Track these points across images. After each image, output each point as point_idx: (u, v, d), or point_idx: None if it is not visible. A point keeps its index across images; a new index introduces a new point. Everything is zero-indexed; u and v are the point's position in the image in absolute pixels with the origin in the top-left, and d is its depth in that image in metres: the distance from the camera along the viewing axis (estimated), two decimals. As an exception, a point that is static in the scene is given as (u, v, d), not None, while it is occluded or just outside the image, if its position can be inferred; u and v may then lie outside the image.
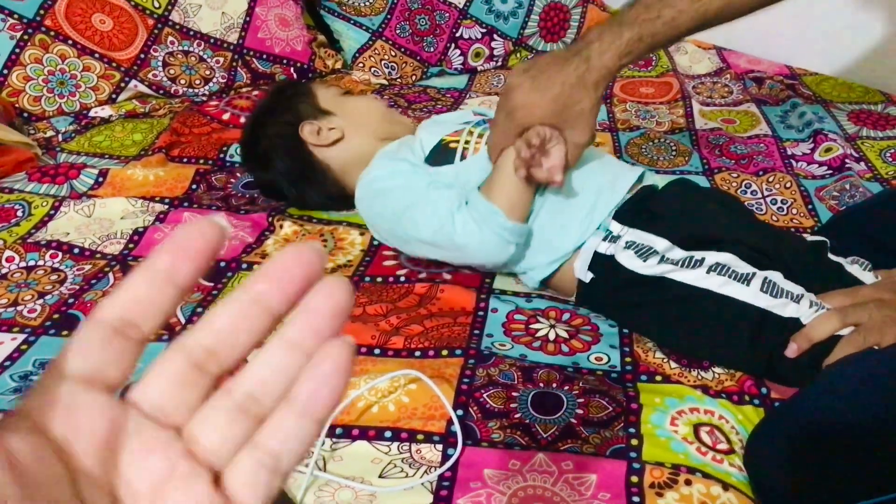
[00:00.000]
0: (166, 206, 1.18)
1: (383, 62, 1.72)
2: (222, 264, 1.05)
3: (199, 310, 0.96)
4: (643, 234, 0.92)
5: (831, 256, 0.93)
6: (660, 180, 1.10)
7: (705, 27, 0.90)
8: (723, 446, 0.77)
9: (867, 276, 0.90)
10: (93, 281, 1.01)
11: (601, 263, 0.93)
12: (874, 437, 0.68)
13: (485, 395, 0.81)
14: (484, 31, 1.80)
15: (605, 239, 0.94)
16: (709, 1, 0.87)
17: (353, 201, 1.09)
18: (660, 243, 0.91)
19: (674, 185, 1.02)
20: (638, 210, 0.96)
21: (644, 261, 0.90)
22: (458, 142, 1.05)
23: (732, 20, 0.91)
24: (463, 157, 1.03)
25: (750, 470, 0.74)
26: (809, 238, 0.99)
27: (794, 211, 1.19)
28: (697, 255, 0.89)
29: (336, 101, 1.14)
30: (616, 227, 0.95)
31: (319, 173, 1.12)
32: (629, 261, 0.91)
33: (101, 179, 1.23)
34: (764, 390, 0.84)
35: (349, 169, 1.11)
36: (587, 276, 0.94)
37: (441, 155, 1.04)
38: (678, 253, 0.90)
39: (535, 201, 0.98)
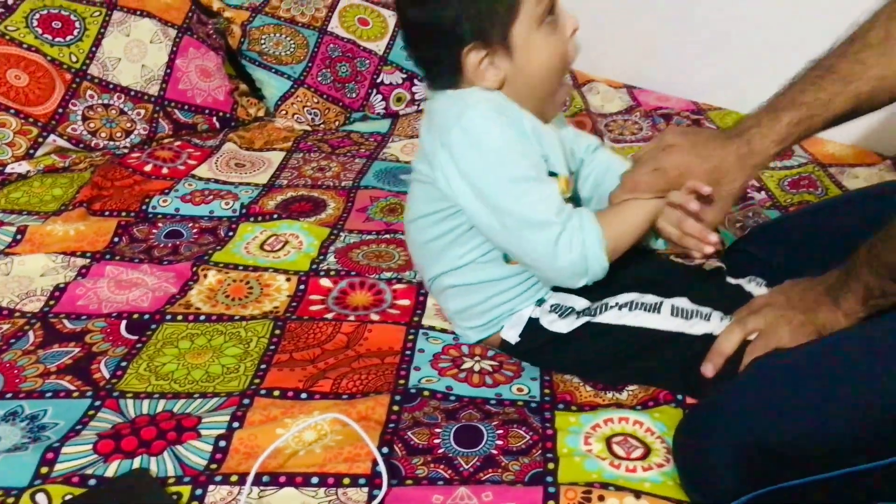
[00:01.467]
0: (88, 261, 1.18)
1: (306, 109, 1.75)
2: (146, 316, 1.05)
3: (124, 364, 0.96)
4: (564, 295, 0.97)
5: (729, 280, 1.00)
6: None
7: (861, 110, 0.90)
8: (637, 453, 0.81)
9: (762, 292, 0.96)
10: (12, 340, 1.00)
11: (527, 327, 0.97)
12: (790, 425, 0.73)
13: (409, 433, 0.83)
14: (405, 76, 1.84)
15: (535, 304, 0.98)
16: (858, 83, 0.87)
17: None
18: (579, 303, 0.96)
19: None
20: None
21: (564, 319, 0.94)
22: (565, 195, 0.96)
23: (879, 107, 0.90)
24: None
25: (679, 461, 0.78)
26: (706, 267, 1.06)
27: (701, 240, 1.25)
28: (610, 300, 0.94)
29: (530, 37, 0.91)
30: (544, 292, 0.99)
31: (454, 79, 0.94)
32: (552, 324, 0.95)
33: (19, 237, 1.22)
34: (679, 396, 0.89)
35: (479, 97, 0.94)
36: (515, 340, 0.98)
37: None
38: (594, 304, 0.95)
39: (489, 270, 0.96)
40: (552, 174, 0.94)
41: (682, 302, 0.93)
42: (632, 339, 0.91)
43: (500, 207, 0.90)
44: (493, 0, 0.90)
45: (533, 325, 0.96)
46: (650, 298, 0.93)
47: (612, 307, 0.93)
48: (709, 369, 0.87)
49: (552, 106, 0.99)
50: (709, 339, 0.88)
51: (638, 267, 0.99)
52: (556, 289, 0.98)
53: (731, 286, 0.99)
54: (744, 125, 0.93)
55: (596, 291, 0.95)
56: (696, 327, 0.90)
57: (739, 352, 0.86)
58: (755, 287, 0.98)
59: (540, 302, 0.97)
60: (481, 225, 0.93)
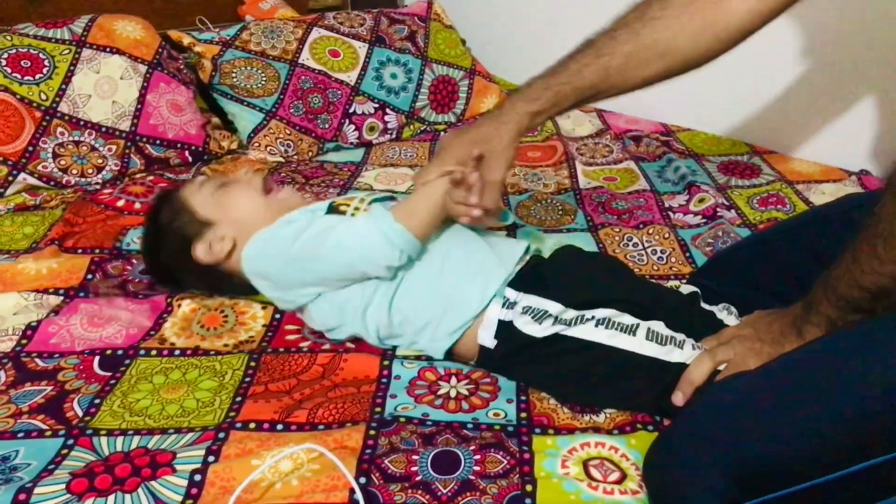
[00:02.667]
0: (61, 298, 1.17)
1: (279, 141, 1.75)
2: (120, 352, 1.04)
3: (97, 401, 0.95)
4: (537, 298, 0.98)
5: (704, 305, 1.01)
6: (546, 239, 1.16)
7: (615, 85, 0.97)
8: (614, 476, 0.81)
9: (733, 321, 0.98)
10: (-17, 381, 0.99)
11: (501, 329, 0.98)
12: (749, 444, 0.74)
13: (386, 461, 0.83)
14: (376, 105, 1.86)
15: (503, 306, 0.99)
16: (609, 57, 0.94)
17: None
18: (553, 307, 0.97)
19: (560, 252, 1.09)
20: (530, 276, 1.02)
21: (539, 324, 0.95)
22: (348, 205, 1.08)
23: (634, 86, 0.98)
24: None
25: (650, 487, 0.79)
26: (683, 289, 1.07)
27: (673, 259, 1.27)
28: (587, 313, 0.95)
29: (215, 204, 1.11)
30: (512, 294, 1.00)
31: (228, 278, 1.12)
32: (526, 326, 0.96)
33: (-10, 276, 1.21)
34: (657, 418, 0.90)
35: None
36: (492, 343, 0.98)
37: (331, 216, 1.07)
38: (570, 313, 0.96)
39: (436, 271, 1.01)
40: (330, 207, 1.08)
41: (658, 326, 0.94)
42: (607, 360, 0.92)
43: (298, 255, 1.02)
44: (175, 229, 1.11)
45: (508, 327, 0.97)
46: (627, 319, 0.94)
47: (588, 320, 0.94)
48: (679, 398, 0.88)
49: (285, 199, 1.14)
50: (682, 368, 0.89)
51: (616, 284, 1.01)
52: (523, 290, 0.99)
53: (705, 312, 1.00)
54: (501, 101, 1.03)
55: (570, 297, 0.96)
56: (671, 355, 0.91)
57: (709, 381, 0.87)
58: (726, 315, 0.99)
59: (510, 305, 0.99)
60: (323, 277, 1.03)
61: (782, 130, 1.77)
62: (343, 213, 1.07)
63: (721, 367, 0.88)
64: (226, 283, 1.13)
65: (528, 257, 1.06)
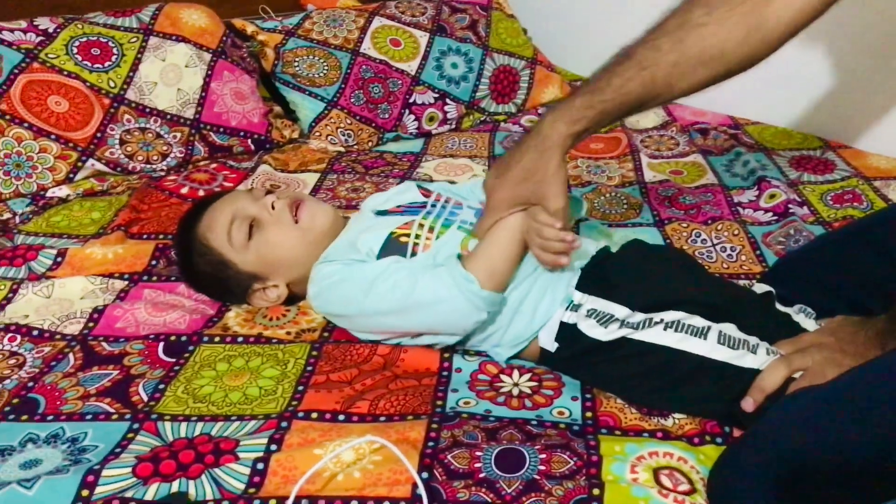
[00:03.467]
0: (126, 283, 1.19)
1: (339, 130, 1.75)
2: (184, 338, 1.05)
3: (161, 386, 0.96)
4: (603, 301, 0.96)
5: (779, 307, 0.97)
6: (612, 234, 1.13)
7: (660, 96, 0.92)
8: (684, 487, 0.78)
9: (811, 324, 0.94)
10: (52, 363, 1.00)
11: (564, 332, 0.96)
12: (827, 462, 0.70)
13: (449, 457, 0.82)
14: (437, 96, 1.85)
15: (567, 308, 0.97)
16: (654, 69, 0.89)
17: None
18: (619, 311, 0.94)
19: (628, 249, 1.05)
20: (596, 276, 0.99)
21: (605, 328, 0.93)
22: (408, 235, 1.04)
23: (679, 95, 0.93)
24: (413, 254, 1.02)
25: (712, 502, 0.76)
26: (757, 288, 1.03)
27: (743, 257, 1.23)
28: (655, 316, 0.92)
29: (254, 256, 1.08)
30: (577, 296, 0.97)
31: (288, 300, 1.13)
32: (591, 329, 0.93)
33: (59, 259, 1.23)
34: (727, 429, 0.87)
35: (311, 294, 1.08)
36: (553, 346, 0.96)
37: (392, 250, 1.03)
38: (637, 317, 0.93)
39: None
40: (388, 240, 1.03)
41: (730, 329, 0.90)
42: (676, 364, 0.89)
43: (386, 311, 0.98)
44: (216, 282, 1.10)
45: (571, 330, 0.95)
46: (697, 321, 0.91)
47: (656, 323, 0.91)
48: (749, 404, 0.84)
49: (314, 228, 1.10)
50: (755, 375, 0.86)
51: (686, 284, 0.98)
52: (589, 292, 0.97)
53: (780, 314, 0.96)
54: (541, 116, 0.96)
55: (637, 301, 0.93)
56: (743, 360, 0.87)
57: (782, 389, 0.83)
58: (803, 318, 0.95)
59: (575, 307, 0.96)
60: (395, 330, 1.01)
61: (857, 124, 1.70)
62: (404, 244, 1.03)
63: (796, 375, 0.84)
64: (288, 301, 1.13)
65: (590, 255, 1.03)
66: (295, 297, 1.12)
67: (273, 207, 1.09)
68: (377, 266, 1.00)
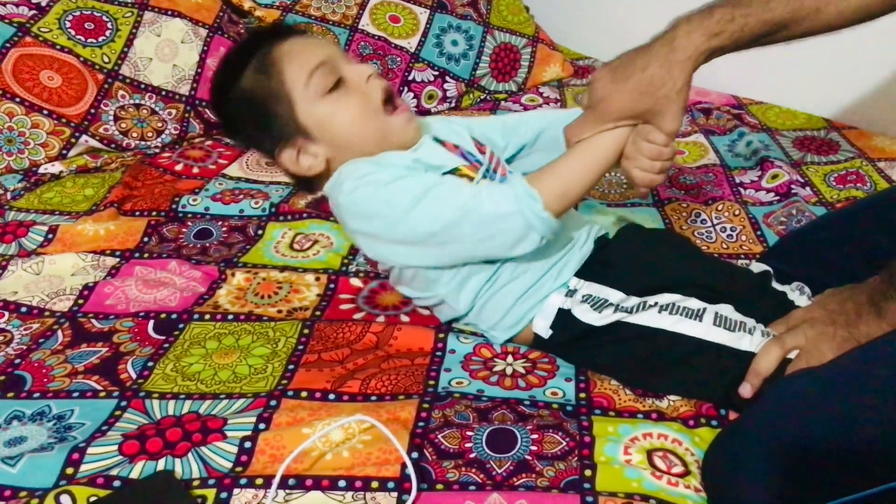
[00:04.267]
0: (117, 260, 1.17)
1: (337, 108, 1.73)
2: (174, 316, 1.03)
3: (150, 364, 0.94)
4: (598, 286, 0.93)
5: (775, 285, 0.95)
6: (610, 214, 1.11)
7: (799, 23, 0.84)
8: (678, 469, 0.77)
9: (804, 302, 0.92)
10: (41, 340, 0.99)
11: (559, 318, 0.94)
12: (823, 446, 0.69)
13: (440, 437, 0.81)
14: (436, 73, 1.82)
15: (565, 294, 0.95)
16: None
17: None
18: (614, 295, 0.92)
19: (624, 233, 1.02)
20: (592, 262, 0.97)
21: (599, 312, 0.91)
22: (472, 179, 0.94)
23: (826, 25, 0.85)
24: None
25: (707, 485, 0.74)
26: (754, 268, 1.01)
27: (744, 238, 1.21)
28: (650, 299, 0.90)
29: (318, 114, 0.92)
30: (573, 282, 0.95)
31: (303, 181, 0.99)
32: (585, 314, 0.91)
33: (50, 236, 1.22)
34: (723, 412, 0.86)
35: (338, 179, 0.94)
36: (547, 333, 0.94)
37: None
38: (632, 301, 0.91)
39: (511, 262, 0.93)
40: (454, 172, 0.93)
41: (727, 310, 0.89)
42: (671, 347, 0.87)
43: (423, 237, 0.89)
44: (264, 110, 0.92)
45: (565, 316, 0.93)
46: (693, 303, 0.89)
47: (651, 306, 0.89)
48: (746, 390, 0.82)
49: (399, 132, 0.95)
50: (751, 358, 0.84)
51: (682, 267, 0.96)
52: (585, 277, 0.94)
53: (777, 293, 0.94)
54: (672, 25, 0.86)
55: (632, 285, 0.91)
56: (740, 342, 0.86)
57: (779, 370, 0.82)
58: (798, 296, 0.94)
59: (571, 293, 0.94)
60: (440, 259, 0.92)
61: (862, 105, 1.67)
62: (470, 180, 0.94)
63: (792, 355, 0.82)
64: (294, 179, 1.00)
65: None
66: (314, 183, 0.99)
67: (367, 81, 0.94)
68: (435, 177, 0.90)
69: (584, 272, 0.96)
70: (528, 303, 0.95)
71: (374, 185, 0.89)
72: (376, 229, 0.92)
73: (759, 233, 1.22)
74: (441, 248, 0.91)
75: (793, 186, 1.34)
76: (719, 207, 1.28)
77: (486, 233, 0.88)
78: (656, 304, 0.89)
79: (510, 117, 1.10)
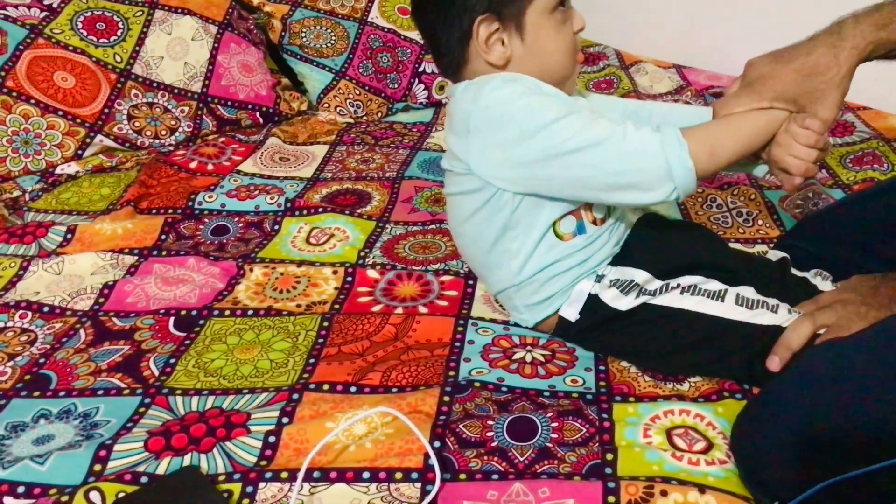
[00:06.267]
0: (136, 258, 1.18)
1: (348, 101, 1.73)
2: (194, 312, 1.04)
3: (172, 360, 0.95)
4: (623, 269, 0.94)
5: (795, 272, 0.95)
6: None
7: None
8: (699, 446, 0.78)
9: (828, 286, 0.92)
10: (64, 339, 1.00)
11: (588, 303, 0.94)
12: (853, 414, 0.69)
13: (461, 426, 0.81)
14: (446, 64, 1.82)
15: (594, 280, 0.94)
16: None
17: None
18: (640, 275, 0.92)
19: (643, 221, 1.02)
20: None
21: (626, 296, 0.91)
22: None
23: None
24: None
25: (738, 456, 0.75)
26: (771, 255, 1.01)
27: (760, 222, 1.21)
28: (672, 281, 0.91)
29: (543, 21, 0.90)
30: (601, 268, 0.95)
31: (459, 52, 0.92)
32: (614, 300, 0.91)
33: (69, 236, 1.23)
34: (746, 386, 0.86)
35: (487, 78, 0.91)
36: (575, 317, 0.94)
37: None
38: (655, 283, 0.91)
39: (547, 254, 0.92)
40: None
41: (748, 291, 0.89)
42: (693, 326, 0.87)
43: (557, 150, 0.85)
44: None
45: (593, 301, 0.93)
46: (714, 285, 0.89)
47: (673, 288, 0.89)
48: (775, 363, 0.83)
49: (575, 80, 0.96)
50: (776, 332, 0.84)
51: (703, 250, 0.96)
52: (614, 263, 0.94)
53: (797, 278, 0.94)
54: (838, 20, 0.85)
55: (655, 266, 0.91)
56: (761, 318, 0.86)
57: (807, 347, 0.82)
58: (821, 281, 0.94)
59: (599, 278, 0.94)
60: (555, 185, 0.88)
61: (877, 85, 1.65)
62: None
63: (821, 332, 0.82)
64: (449, 60, 0.93)
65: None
66: (457, 69, 0.93)
67: (579, 32, 0.94)
68: (576, 104, 0.89)
69: (611, 259, 0.96)
70: (559, 286, 0.94)
71: (523, 91, 0.87)
72: (505, 138, 0.87)
73: (775, 217, 1.22)
74: (566, 171, 0.86)
75: (809, 169, 1.33)
76: (735, 192, 1.28)
77: (623, 166, 0.84)
78: (678, 285, 0.90)
79: (632, 101, 1.09)
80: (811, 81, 0.83)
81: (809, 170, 0.86)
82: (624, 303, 0.90)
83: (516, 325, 1.00)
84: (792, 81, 0.84)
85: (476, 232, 0.95)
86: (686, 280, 0.90)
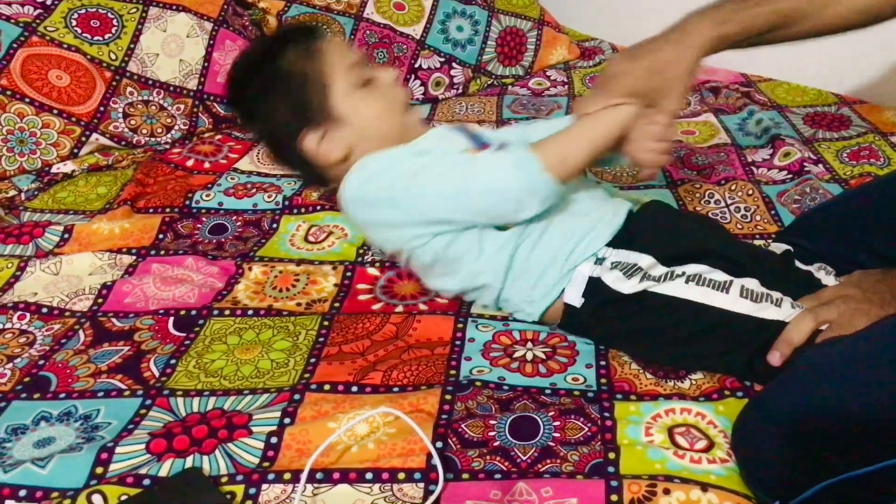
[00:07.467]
0: (134, 257, 1.18)
1: (345, 98, 1.73)
2: (193, 312, 1.04)
3: (173, 361, 0.95)
4: (627, 252, 0.94)
5: (798, 265, 0.95)
6: (625, 198, 1.11)
7: (803, 21, 0.88)
8: (701, 444, 0.78)
9: (831, 281, 0.92)
10: (63, 340, 1.00)
11: (590, 286, 0.94)
12: (856, 412, 0.69)
13: (463, 426, 0.81)
14: (443, 60, 1.82)
15: (595, 262, 0.95)
16: None
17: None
18: (644, 260, 0.92)
19: (649, 206, 1.03)
20: (619, 232, 0.97)
21: (628, 279, 0.91)
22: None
23: (831, 24, 0.89)
24: None
25: (739, 454, 0.75)
26: (774, 248, 1.01)
27: (758, 217, 1.21)
28: (677, 269, 0.91)
29: (353, 101, 0.97)
30: (602, 250, 0.95)
31: (313, 173, 1.02)
32: (615, 282, 0.91)
33: (66, 236, 1.22)
34: (747, 384, 0.86)
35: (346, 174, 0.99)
36: (580, 302, 0.94)
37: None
38: (659, 269, 0.91)
39: (546, 223, 0.95)
40: None
41: (752, 283, 0.89)
42: (696, 317, 0.87)
43: (426, 214, 0.93)
44: (299, 89, 0.97)
45: (596, 284, 0.93)
46: (719, 275, 0.89)
47: (678, 276, 0.89)
48: (776, 358, 0.83)
49: (414, 128, 1.02)
50: (779, 328, 0.84)
51: (709, 238, 0.96)
52: (617, 245, 0.94)
53: (801, 272, 0.94)
54: (683, 17, 0.93)
55: (660, 251, 0.92)
56: (765, 312, 0.86)
57: (808, 343, 0.82)
58: (824, 275, 0.94)
59: (599, 261, 0.94)
60: (446, 225, 0.94)
61: (873, 78, 1.66)
62: None
63: (823, 328, 0.83)
64: (307, 171, 1.03)
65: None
66: (325, 175, 1.02)
67: (393, 86, 1.02)
68: (432, 154, 0.94)
69: (612, 241, 0.96)
70: (555, 273, 0.94)
71: (376, 174, 0.95)
72: (383, 216, 0.96)
73: (773, 212, 1.22)
74: (449, 222, 0.94)
75: (805, 164, 1.34)
76: (732, 187, 1.28)
77: (488, 200, 0.91)
78: (683, 273, 0.90)
79: (531, 126, 1.13)
80: (659, 77, 0.90)
81: (660, 160, 0.94)
82: (627, 286, 0.90)
83: (515, 320, 1.00)
84: (641, 78, 0.91)
85: (441, 272, 0.99)
86: (691, 269, 0.90)
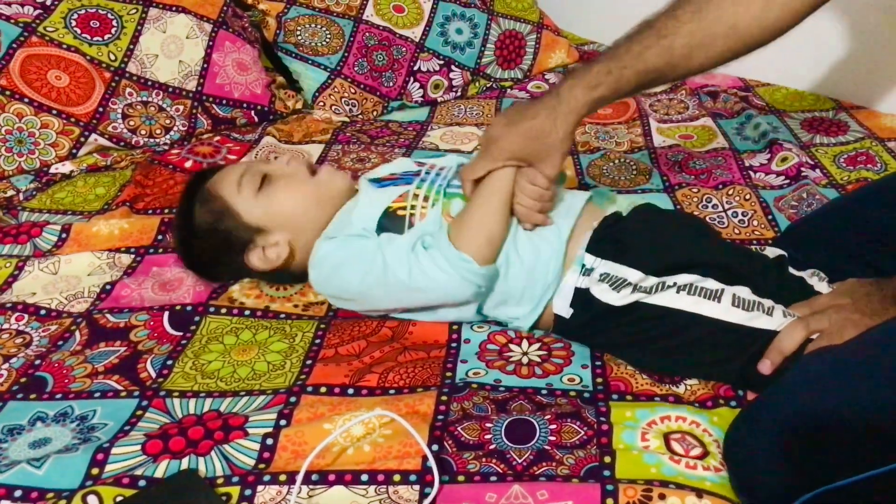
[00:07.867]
0: (132, 257, 1.18)
1: (343, 100, 1.73)
2: (189, 308, 1.04)
3: (169, 362, 0.95)
4: (616, 265, 0.94)
5: (792, 271, 0.95)
6: (622, 200, 1.11)
7: (679, 68, 0.91)
8: (696, 451, 0.78)
9: (824, 288, 0.93)
10: (59, 342, 1.00)
11: (578, 297, 0.95)
12: (846, 421, 0.69)
13: (459, 429, 0.81)
14: (441, 62, 1.82)
15: (581, 273, 0.95)
16: (672, 38, 0.88)
17: None
18: (632, 275, 0.93)
19: (639, 212, 1.03)
20: (608, 239, 0.97)
21: (618, 292, 0.91)
22: (404, 208, 1.00)
23: (699, 68, 0.92)
24: (411, 225, 0.99)
25: (730, 463, 0.75)
26: (769, 252, 1.01)
27: (755, 223, 1.21)
28: (668, 279, 0.91)
29: (262, 208, 1.03)
30: (589, 260, 0.96)
31: (284, 275, 1.07)
32: (604, 294, 0.92)
33: (64, 236, 1.22)
34: (741, 393, 0.86)
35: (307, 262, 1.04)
36: (568, 313, 0.95)
37: (390, 225, 0.99)
38: (650, 281, 0.92)
39: (510, 247, 0.97)
40: (385, 214, 1.00)
41: (744, 292, 0.89)
42: (689, 327, 0.88)
43: (384, 305, 1.00)
44: (219, 230, 1.03)
45: (584, 295, 0.93)
46: (711, 284, 0.90)
47: (669, 287, 0.90)
48: (766, 367, 0.83)
49: (327, 182, 1.07)
50: (771, 337, 0.85)
51: (700, 247, 0.96)
52: (601, 255, 0.95)
53: (794, 277, 0.95)
54: (561, 79, 0.96)
55: (650, 264, 0.92)
56: (757, 321, 0.86)
57: (799, 351, 0.83)
58: (817, 281, 0.94)
59: (587, 271, 0.95)
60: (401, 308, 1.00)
61: (870, 84, 1.67)
62: (402, 217, 0.99)
63: (814, 337, 0.83)
64: (283, 278, 1.08)
65: (603, 215, 1.01)
66: (294, 272, 1.06)
67: (288, 164, 1.08)
68: (371, 249, 0.96)
69: (600, 250, 0.96)
70: (539, 285, 0.95)
71: (327, 272, 1.00)
72: (354, 308, 1.03)
73: (770, 217, 1.22)
74: (409, 310, 1.01)
75: (802, 169, 1.34)
76: (730, 192, 1.28)
77: (435, 300, 0.97)
78: (675, 284, 0.90)
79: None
80: (535, 143, 0.93)
81: (534, 217, 0.97)
82: (615, 297, 0.91)
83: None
84: (518, 143, 0.94)
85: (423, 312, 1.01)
86: (682, 278, 0.90)
